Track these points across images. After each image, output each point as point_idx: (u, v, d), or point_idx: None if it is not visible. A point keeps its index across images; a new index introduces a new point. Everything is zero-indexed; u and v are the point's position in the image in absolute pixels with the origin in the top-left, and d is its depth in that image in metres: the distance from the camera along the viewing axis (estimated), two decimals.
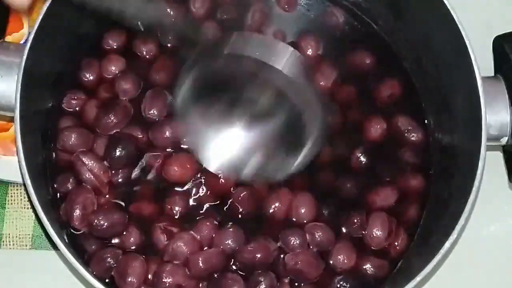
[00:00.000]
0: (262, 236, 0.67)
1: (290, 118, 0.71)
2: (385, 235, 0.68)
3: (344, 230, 0.69)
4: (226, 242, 0.67)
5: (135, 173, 0.70)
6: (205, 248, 0.67)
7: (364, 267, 0.68)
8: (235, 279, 0.66)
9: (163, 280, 0.65)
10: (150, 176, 0.70)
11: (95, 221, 0.66)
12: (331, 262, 0.68)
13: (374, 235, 0.68)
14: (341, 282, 0.67)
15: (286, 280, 0.67)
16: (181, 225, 0.68)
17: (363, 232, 0.69)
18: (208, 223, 0.67)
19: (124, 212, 0.68)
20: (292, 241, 0.67)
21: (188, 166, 0.69)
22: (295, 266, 0.66)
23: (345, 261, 0.68)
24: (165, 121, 0.70)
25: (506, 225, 0.79)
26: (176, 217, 0.68)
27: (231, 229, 0.67)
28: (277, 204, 0.69)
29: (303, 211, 0.69)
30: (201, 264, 0.65)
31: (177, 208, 0.68)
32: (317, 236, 0.68)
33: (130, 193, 0.69)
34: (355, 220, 0.69)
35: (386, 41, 0.77)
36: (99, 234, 0.67)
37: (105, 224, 0.66)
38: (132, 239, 0.67)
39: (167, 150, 0.70)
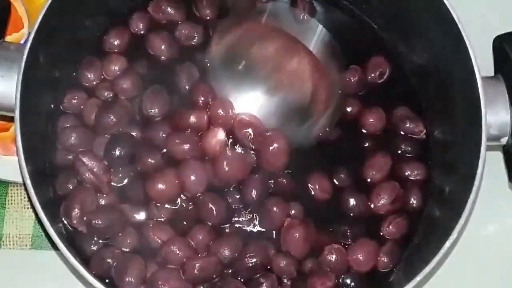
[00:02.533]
0: (259, 241, 0.68)
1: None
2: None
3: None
4: (222, 249, 0.66)
5: (134, 172, 0.70)
6: (201, 254, 0.67)
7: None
8: (236, 284, 0.65)
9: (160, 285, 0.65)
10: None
11: (94, 221, 0.66)
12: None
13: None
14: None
15: (288, 282, 0.67)
16: (175, 230, 0.68)
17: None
18: (203, 229, 0.67)
19: (123, 212, 0.68)
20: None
21: (174, 183, 0.68)
22: None
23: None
24: (165, 120, 0.70)
25: (506, 225, 0.79)
26: (169, 221, 0.68)
27: (226, 235, 0.67)
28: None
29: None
30: (196, 271, 0.65)
31: (166, 215, 0.68)
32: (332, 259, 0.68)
33: (130, 193, 0.69)
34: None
35: (385, 41, 0.77)
36: (98, 234, 0.67)
37: (104, 224, 0.66)
38: (129, 240, 0.67)
39: (166, 150, 0.70)
